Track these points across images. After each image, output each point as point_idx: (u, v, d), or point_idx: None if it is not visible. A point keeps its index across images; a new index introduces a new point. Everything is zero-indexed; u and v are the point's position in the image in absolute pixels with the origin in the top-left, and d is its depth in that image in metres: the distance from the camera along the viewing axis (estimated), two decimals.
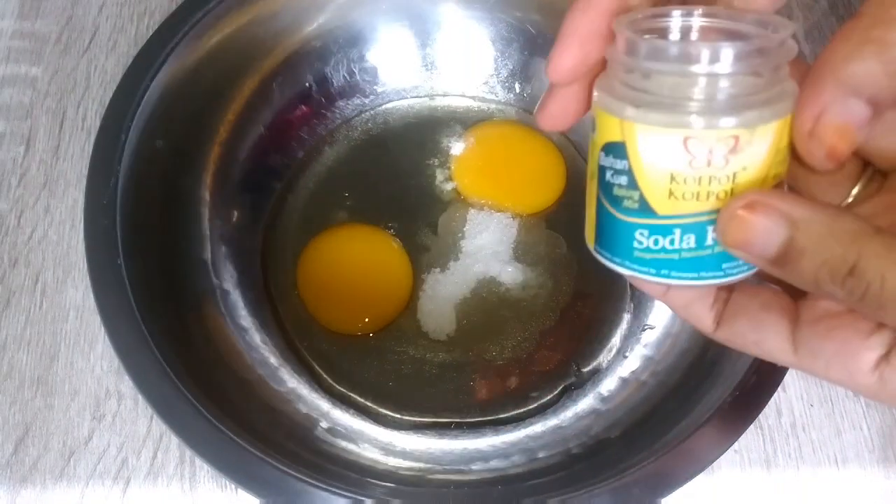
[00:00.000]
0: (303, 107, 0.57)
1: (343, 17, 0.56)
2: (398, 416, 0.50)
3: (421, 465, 0.47)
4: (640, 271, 0.26)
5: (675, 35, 0.25)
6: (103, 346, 0.49)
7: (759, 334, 0.27)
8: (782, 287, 0.27)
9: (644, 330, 0.51)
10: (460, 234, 0.55)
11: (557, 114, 0.28)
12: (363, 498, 0.40)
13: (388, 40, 0.58)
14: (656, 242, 0.25)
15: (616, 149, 0.24)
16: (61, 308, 0.50)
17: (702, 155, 0.23)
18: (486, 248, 0.54)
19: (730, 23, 0.24)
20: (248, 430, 0.42)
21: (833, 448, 0.48)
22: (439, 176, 0.57)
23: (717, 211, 0.24)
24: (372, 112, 0.59)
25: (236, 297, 0.51)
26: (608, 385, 0.50)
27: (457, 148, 0.57)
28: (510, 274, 0.54)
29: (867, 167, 0.27)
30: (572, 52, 0.26)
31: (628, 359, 0.51)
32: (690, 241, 0.25)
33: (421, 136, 0.58)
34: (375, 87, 0.58)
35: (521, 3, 0.56)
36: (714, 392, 0.43)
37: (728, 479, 0.47)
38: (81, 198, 0.46)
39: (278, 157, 0.56)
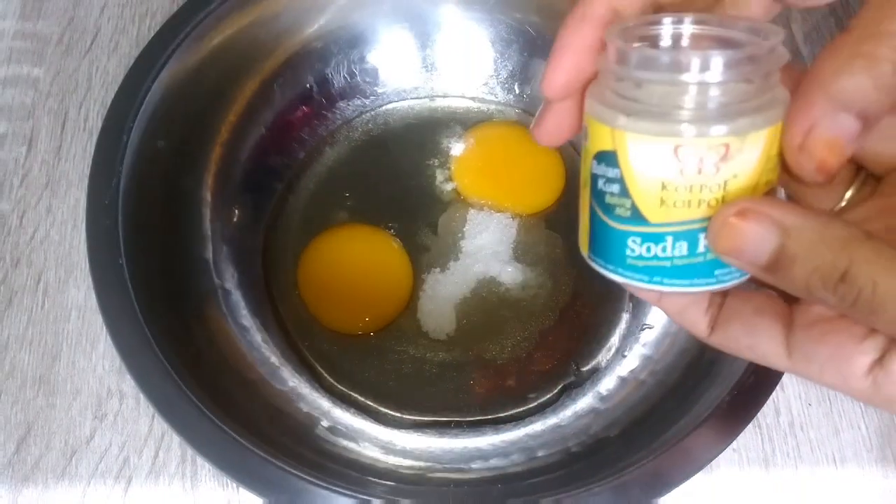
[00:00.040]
0: (304, 108, 0.57)
1: (344, 19, 0.56)
2: (398, 414, 0.50)
3: (421, 463, 0.47)
4: (634, 278, 0.26)
5: (665, 42, 0.25)
6: (105, 345, 0.49)
7: (753, 339, 0.27)
8: (776, 291, 0.27)
9: (643, 329, 0.52)
10: (460, 235, 0.55)
11: (553, 129, 0.28)
12: (368, 497, 0.40)
13: (388, 42, 0.58)
14: (648, 250, 0.25)
15: (608, 157, 0.25)
16: (63, 308, 0.50)
17: (692, 163, 0.23)
18: (486, 248, 0.54)
19: (721, 30, 0.24)
20: (250, 428, 0.42)
21: (831, 447, 0.48)
22: (439, 176, 0.57)
23: (708, 218, 0.24)
24: (372, 113, 0.59)
25: (237, 297, 0.51)
26: (607, 384, 0.50)
27: (457, 148, 0.58)
28: (510, 274, 0.54)
29: (860, 171, 0.27)
30: (566, 67, 0.26)
31: (627, 358, 0.51)
32: (682, 248, 0.25)
33: (421, 136, 0.58)
34: (376, 88, 0.59)
35: (520, 5, 0.56)
36: (712, 391, 0.44)
37: (726, 477, 0.47)
38: (83, 198, 0.46)
39: (279, 158, 0.56)
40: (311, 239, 0.54)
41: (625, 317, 0.53)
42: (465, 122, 0.59)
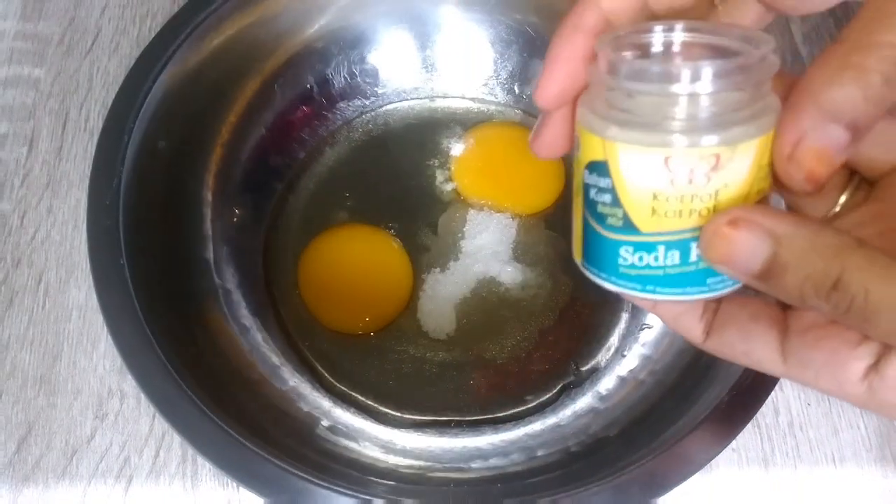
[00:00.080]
0: (304, 108, 0.57)
1: (344, 19, 0.56)
2: (399, 414, 0.50)
3: (421, 463, 0.47)
4: (627, 287, 0.26)
5: (657, 50, 0.25)
6: (106, 345, 0.49)
7: (748, 344, 0.27)
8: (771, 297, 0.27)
9: (642, 329, 0.52)
10: (460, 235, 0.55)
11: (551, 141, 0.28)
12: (368, 497, 0.40)
13: (388, 42, 0.58)
14: (641, 259, 0.25)
15: (599, 167, 0.25)
16: (64, 308, 0.50)
17: (683, 173, 0.23)
18: (486, 248, 0.54)
19: (712, 38, 0.24)
20: (250, 428, 0.42)
21: (830, 447, 0.48)
22: (439, 176, 0.57)
23: (700, 228, 0.24)
24: (372, 113, 0.59)
25: (238, 297, 0.51)
26: (606, 384, 0.51)
27: (457, 149, 0.58)
28: (510, 274, 0.54)
29: (854, 176, 0.27)
30: (559, 77, 0.26)
31: (626, 358, 0.51)
32: (674, 257, 0.25)
33: (421, 137, 0.58)
34: (376, 88, 0.59)
35: (520, 6, 0.56)
36: (712, 391, 0.44)
37: (726, 477, 0.47)
38: (84, 198, 0.47)
39: (279, 158, 0.56)
40: (311, 239, 0.54)
41: (624, 317, 0.53)
42: (465, 123, 0.59)
